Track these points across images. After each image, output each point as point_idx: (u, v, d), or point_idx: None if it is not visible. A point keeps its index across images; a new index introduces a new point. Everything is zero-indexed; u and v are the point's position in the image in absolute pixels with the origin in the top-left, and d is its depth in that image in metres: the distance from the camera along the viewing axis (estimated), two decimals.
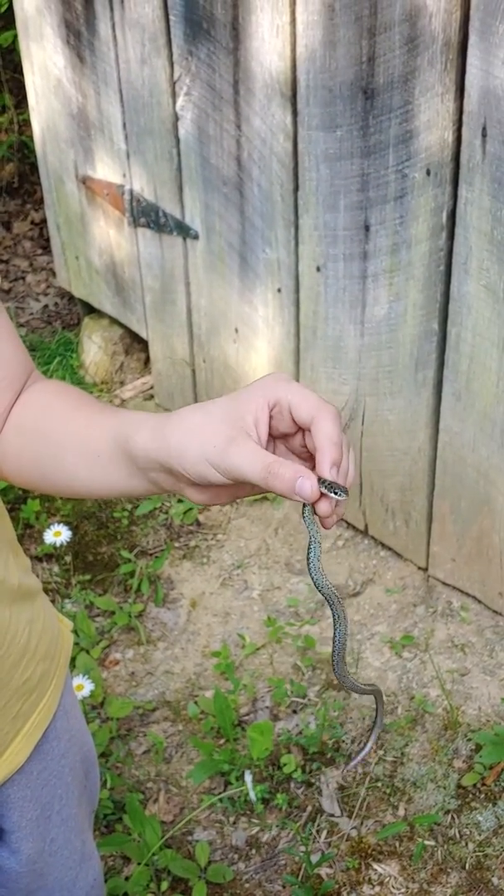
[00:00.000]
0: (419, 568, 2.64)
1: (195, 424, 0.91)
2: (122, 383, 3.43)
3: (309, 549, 0.97)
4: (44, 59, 3.07)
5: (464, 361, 2.19)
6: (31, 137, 4.09)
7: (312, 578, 0.97)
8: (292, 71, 2.21)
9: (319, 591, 0.98)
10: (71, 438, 1.04)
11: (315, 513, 0.92)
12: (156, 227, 2.84)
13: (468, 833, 2.10)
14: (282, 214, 2.42)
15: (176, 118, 2.59)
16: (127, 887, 2.01)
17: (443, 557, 2.54)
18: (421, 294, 2.21)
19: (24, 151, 4.34)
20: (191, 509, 2.89)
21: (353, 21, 2.03)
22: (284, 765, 2.22)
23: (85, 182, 3.11)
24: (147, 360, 3.42)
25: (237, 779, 2.20)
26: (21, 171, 4.40)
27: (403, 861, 2.07)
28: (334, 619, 1.00)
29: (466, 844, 2.08)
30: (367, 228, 2.24)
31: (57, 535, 2.47)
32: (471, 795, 2.16)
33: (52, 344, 3.67)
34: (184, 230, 2.75)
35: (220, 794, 2.21)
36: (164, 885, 2.04)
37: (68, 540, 2.50)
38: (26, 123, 4.18)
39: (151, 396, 3.32)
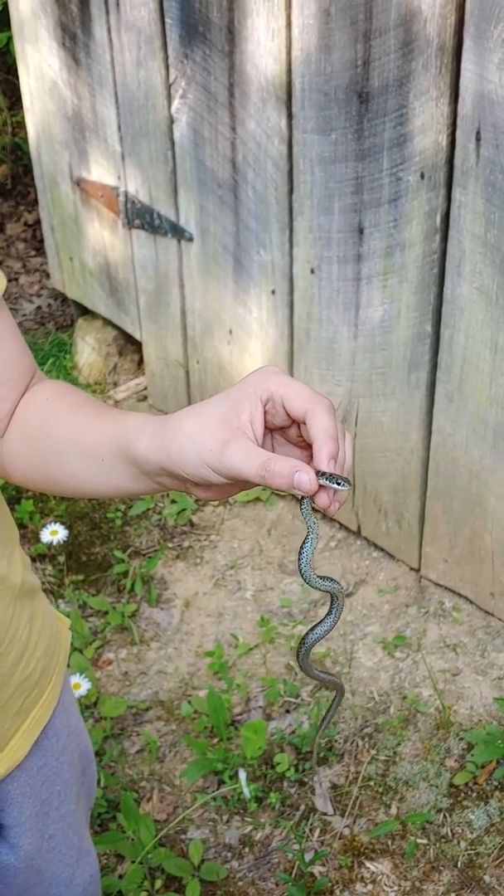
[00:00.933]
0: (411, 569, 2.65)
1: (192, 430, 0.92)
2: (115, 384, 3.44)
3: (304, 541, 0.97)
4: (39, 61, 3.08)
5: (457, 363, 2.21)
6: (24, 139, 4.10)
7: (302, 573, 0.97)
8: (287, 74, 2.23)
9: (309, 585, 0.98)
10: (73, 441, 1.05)
11: (314, 505, 0.93)
12: (150, 228, 2.85)
13: (460, 831, 2.11)
14: (276, 217, 2.43)
15: (171, 120, 2.61)
16: (121, 885, 2.02)
17: (435, 558, 2.56)
18: (414, 296, 2.22)
19: (18, 153, 4.35)
20: (184, 510, 2.90)
21: (349, 25, 2.05)
22: (277, 764, 2.24)
23: (79, 184, 3.12)
24: (140, 362, 3.43)
25: (231, 777, 2.21)
26: (14, 172, 4.40)
27: (396, 859, 2.08)
28: (331, 611, 1.01)
29: (458, 843, 2.09)
30: (361, 231, 2.26)
31: (54, 533, 2.48)
32: (463, 794, 2.17)
33: (46, 345, 3.68)
34: (178, 232, 2.76)
35: (213, 792, 2.22)
36: (158, 884, 2.05)
37: (65, 539, 2.51)
38: (20, 125, 4.19)
39: (145, 398, 3.33)
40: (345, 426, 2.55)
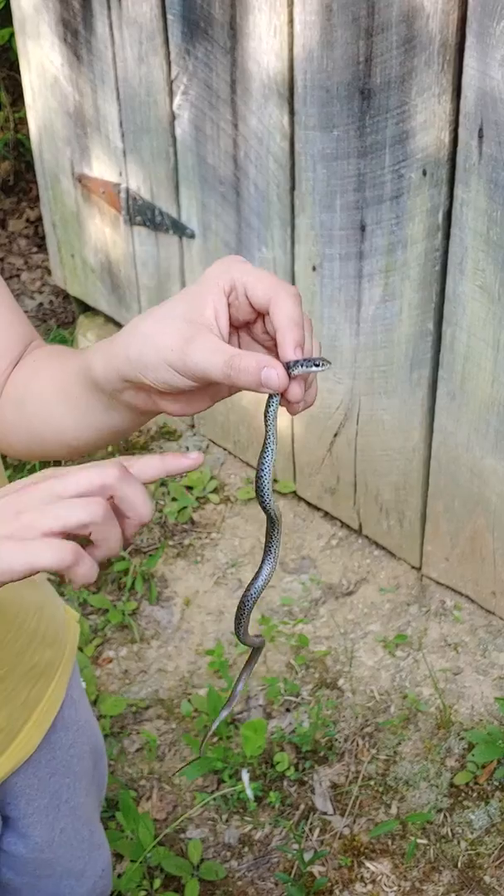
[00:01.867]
0: (413, 567, 2.64)
1: (150, 330, 0.85)
2: None
3: (264, 452, 0.88)
4: (41, 57, 3.07)
5: (458, 361, 2.20)
6: (26, 135, 4.09)
7: (259, 490, 0.88)
8: (289, 71, 2.22)
9: (263, 506, 0.89)
10: (54, 388, 1.01)
11: (280, 405, 0.86)
12: (152, 225, 2.85)
13: (460, 832, 2.10)
14: (278, 214, 2.42)
15: (173, 117, 2.60)
16: (120, 885, 2.01)
17: (436, 557, 2.55)
18: (416, 294, 2.21)
19: (20, 149, 4.34)
20: (185, 508, 2.89)
21: (351, 21, 2.04)
22: (277, 763, 2.23)
23: (81, 180, 3.11)
24: None
25: (230, 776, 2.21)
26: (17, 168, 4.39)
27: (396, 859, 2.07)
28: (266, 550, 0.91)
29: (458, 843, 2.09)
30: (363, 228, 2.25)
31: None
32: (463, 794, 2.16)
33: (47, 342, 3.67)
34: (180, 229, 2.75)
35: (213, 791, 2.21)
36: (157, 883, 2.05)
37: None
38: (22, 121, 4.18)
39: None
40: (346, 424, 2.54)
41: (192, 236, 2.73)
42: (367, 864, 2.07)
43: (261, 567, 0.91)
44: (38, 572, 0.75)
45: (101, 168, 2.99)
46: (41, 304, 3.94)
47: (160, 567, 2.76)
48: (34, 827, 1.33)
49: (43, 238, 4.09)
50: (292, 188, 2.35)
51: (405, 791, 2.19)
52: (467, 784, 2.18)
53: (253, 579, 0.91)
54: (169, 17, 2.45)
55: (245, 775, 2.16)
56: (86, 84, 2.90)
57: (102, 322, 3.48)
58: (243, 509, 2.89)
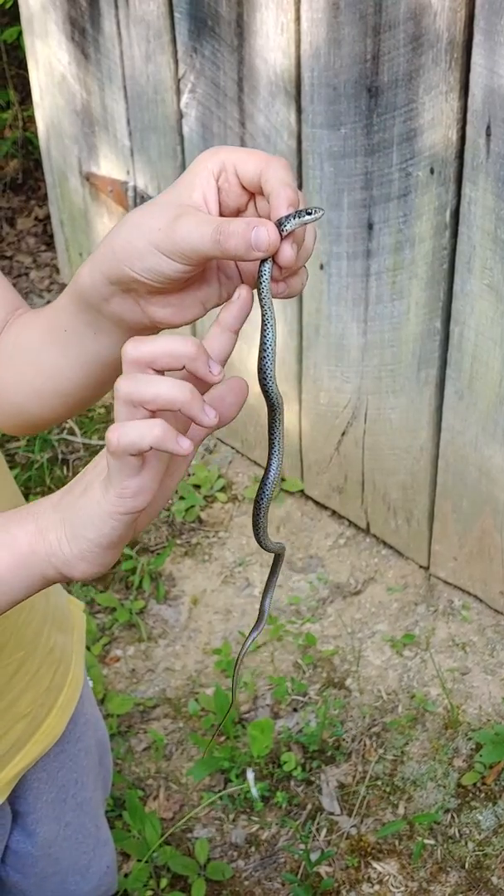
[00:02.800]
0: (420, 567, 2.64)
1: (137, 219, 0.81)
2: None
3: (263, 330, 0.82)
4: (48, 56, 3.07)
5: (466, 360, 2.19)
6: (34, 134, 4.08)
7: (262, 372, 0.83)
8: (296, 69, 2.21)
9: (265, 390, 0.84)
10: (40, 334, 0.98)
11: (275, 279, 0.80)
12: None
13: (468, 832, 2.10)
14: None
15: (180, 115, 2.59)
16: (126, 884, 2.01)
17: (444, 556, 2.54)
18: (424, 292, 2.21)
19: (28, 147, 4.34)
20: (193, 507, 2.89)
21: (358, 19, 2.03)
22: (284, 763, 2.22)
23: (89, 178, 3.11)
24: None
25: (237, 776, 2.20)
26: (25, 167, 4.39)
27: (403, 860, 2.07)
28: (271, 443, 0.86)
29: (466, 843, 2.08)
30: (370, 226, 2.24)
31: None
32: (471, 795, 2.16)
33: None
34: None
35: (220, 791, 2.21)
36: (164, 882, 2.04)
37: None
38: (30, 119, 4.18)
39: None
40: (354, 423, 2.54)
41: None
42: (375, 864, 2.07)
43: (268, 464, 0.86)
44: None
45: (109, 166, 2.99)
46: (49, 302, 3.94)
47: (168, 566, 2.76)
48: (41, 822, 1.33)
49: (51, 236, 4.09)
50: (299, 186, 2.35)
51: (412, 791, 2.18)
52: (475, 784, 2.17)
53: (262, 479, 0.86)
54: (176, 15, 2.45)
55: (250, 775, 2.16)
56: (93, 82, 2.90)
57: None
58: (251, 508, 2.89)
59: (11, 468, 2.99)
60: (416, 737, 2.28)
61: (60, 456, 3.09)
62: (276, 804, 2.18)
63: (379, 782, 2.20)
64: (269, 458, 0.86)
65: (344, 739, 2.28)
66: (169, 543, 2.80)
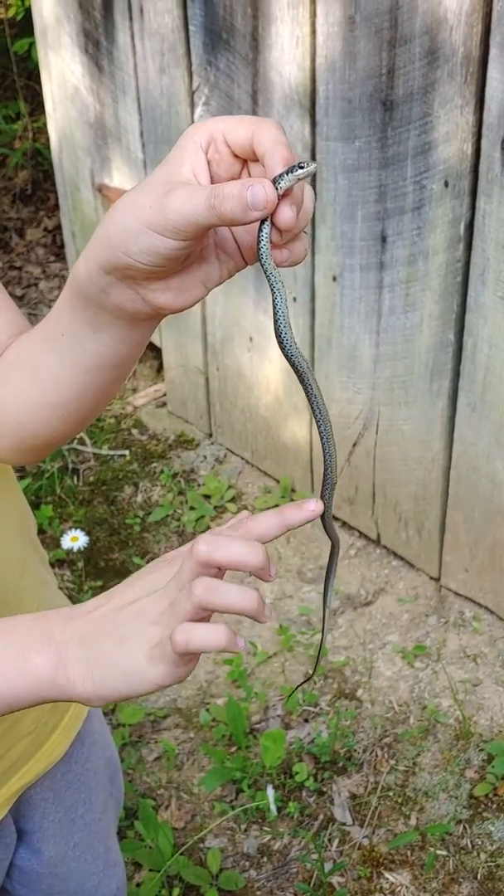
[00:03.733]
0: (431, 578, 2.64)
1: (129, 201, 0.79)
2: (134, 391, 3.44)
3: (273, 296, 0.80)
4: (62, 68, 3.09)
5: (479, 372, 2.20)
6: (44, 145, 4.11)
7: (279, 336, 0.81)
8: (311, 82, 2.22)
9: (285, 353, 0.82)
10: (39, 344, 0.95)
11: (274, 244, 0.78)
12: None
13: (480, 843, 2.10)
14: None
15: None
16: (139, 894, 2.01)
17: (455, 567, 2.55)
18: (437, 305, 2.22)
19: (38, 159, 4.36)
20: (203, 517, 2.89)
21: (374, 33, 2.05)
22: (296, 773, 2.23)
23: (101, 190, 3.13)
24: (160, 368, 3.43)
25: (249, 786, 2.21)
26: (35, 178, 4.41)
27: (415, 870, 2.07)
28: (310, 397, 0.84)
29: (478, 854, 2.08)
30: (384, 239, 2.25)
31: (74, 539, 2.48)
32: (483, 806, 2.16)
33: None
34: None
35: (231, 801, 2.21)
36: (176, 892, 2.04)
37: (85, 545, 2.50)
38: (40, 131, 4.21)
39: (164, 404, 3.33)
40: (365, 434, 2.54)
41: None
42: (387, 874, 2.07)
43: (321, 438, 0.87)
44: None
45: (122, 178, 3.01)
46: None
47: None
48: (48, 841, 1.33)
49: (61, 247, 4.10)
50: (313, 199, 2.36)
51: (424, 802, 2.18)
52: (487, 795, 2.17)
53: (324, 467, 0.87)
54: (191, 28, 2.47)
55: (270, 791, 2.16)
56: (107, 94, 2.91)
57: None
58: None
59: (22, 478, 3.00)
60: (428, 748, 2.28)
61: (71, 466, 3.10)
62: (289, 814, 2.18)
63: (391, 793, 2.20)
64: (319, 430, 0.86)
65: (355, 750, 2.29)
66: None
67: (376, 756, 2.27)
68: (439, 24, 1.93)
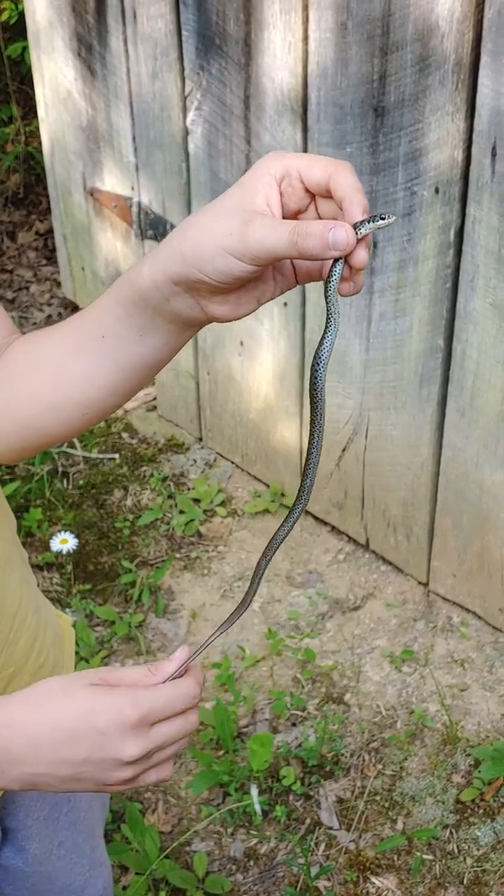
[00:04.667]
0: (420, 583, 2.65)
1: (205, 222, 0.85)
2: None
3: (325, 331, 0.87)
4: (54, 71, 3.09)
5: (468, 378, 2.21)
6: (36, 148, 4.11)
7: (316, 375, 0.88)
8: (303, 88, 2.23)
9: (314, 390, 0.89)
10: (65, 345, 0.98)
11: (342, 278, 0.85)
12: (163, 239, 2.86)
13: (466, 848, 2.10)
14: None
15: (186, 132, 2.61)
16: None
17: (444, 573, 2.55)
18: (427, 310, 2.22)
19: (30, 162, 4.36)
20: (192, 521, 2.89)
21: (366, 39, 2.06)
22: (283, 777, 2.23)
23: (93, 194, 3.13)
24: None
25: (236, 790, 2.21)
26: (26, 181, 4.41)
27: (402, 875, 2.07)
28: (313, 441, 0.93)
29: (465, 859, 2.08)
30: (374, 244, 2.26)
31: (63, 542, 2.48)
32: (469, 810, 2.16)
33: None
34: None
35: (218, 804, 2.21)
36: (162, 895, 2.04)
37: (74, 547, 2.50)
38: (32, 134, 4.21)
39: (154, 408, 3.33)
40: (354, 439, 2.55)
41: None
42: (373, 879, 2.07)
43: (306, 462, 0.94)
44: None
45: (114, 182, 3.01)
46: (50, 317, 3.95)
47: (167, 579, 2.76)
48: (32, 839, 1.33)
49: (52, 250, 4.10)
50: None
51: (411, 806, 2.18)
52: (473, 800, 2.17)
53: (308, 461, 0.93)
54: (184, 33, 2.47)
55: (254, 791, 2.16)
56: (99, 99, 2.92)
57: None
58: (250, 522, 2.90)
59: (11, 481, 3.00)
60: (415, 752, 2.28)
61: (60, 469, 3.10)
62: (275, 818, 2.18)
63: (378, 797, 2.21)
64: (309, 463, 0.95)
65: (343, 754, 2.29)
66: (168, 557, 2.81)
67: (363, 760, 2.27)
68: (431, 31, 1.94)
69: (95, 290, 3.40)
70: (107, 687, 0.91)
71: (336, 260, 0.85)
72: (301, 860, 2.09)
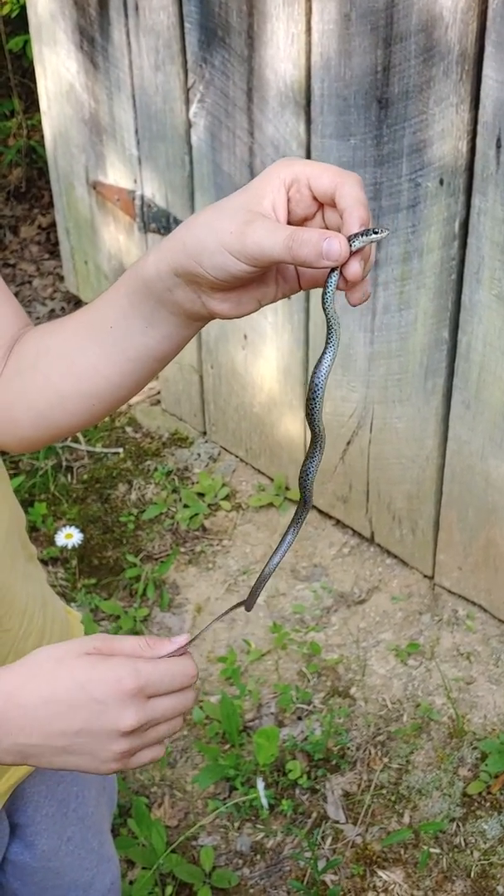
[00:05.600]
0: (425, 576, 2.64)
1: (209, 218, 0.86)
2: None
3: (326, 348, 0.88)
4: (57, 65, 3.08)
5: (474, 370, 2.20)
6: (38, 142, 4.10)
7: (314, 387, 0.89)
8: (307, 79, 2.22)
9: (311, 413, 0.90)
10: (77, 336, 0.99)
11: (340, 288, 0.86)
12: (166, 232, 2.85)
13: (473, 841, 2.10)
14: None
15: (189, 125, 2.60)
16: (132, 892, 2.01)
17: (449, 566, 2.55)
18: (432, 303, 2.22)
19: (32, 156, 4.35)
20: (196, 515, 2.89)
21: (369, 31, 2.05)
22: (290, 771, 2.23)
23: (96, 187, 3.12)
24: None
25: (242, 784, 2.20)
26: (29, 175, 4.40)
27: (408, 868, 2.07)
28: (315, 445, 0.95)
29: (471, 853, 2.08)
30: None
31: (69, 537, 2.48)
32: (476, 804, 2.16)
33: None
34: None
35: (224, 799, 2.21)
36: (169, 890, 2.04)
37: (79, 542, 2.50)
38: (34, 128, 4.20)
39: (158, 402, 3.33)
40: (359, 432, 2.54)
41: None
42: (380, 872, 2.07)
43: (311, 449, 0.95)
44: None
45: (116, 175, 3.00)
46: (53, 311, 3.94)
47: (171, 574, 2.76)
48: (41, 835, 1.33)
49: (55, 244, 4.10)
50: None
51: (418, 800, 2.18)
52: (480, 794, 2.17)
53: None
54: (186, 25, 2.46)
55: (260, 785, 2.16)
56: (102, 91, 2.91)
57: None
58: (255, 516, 2.89)
59: (16, 475, 3.00)
60: (421, 746, 2.28)
61: (65, 463, 3.10)
62: (282, 812, 2.18)
63: (384, 791, 2.20)
64: (312, 444, 0.94)
65: (349, 748, 2.29)
66: (173, 551, 2.81)
67: (370, 754, 2.27)
68: (435, 21, 1.93)
69: (99, 284, 3.39)
70: (102, 656, 0.90)
71: (332, 271, 0.86)
72: (308, 854, 2.09)
